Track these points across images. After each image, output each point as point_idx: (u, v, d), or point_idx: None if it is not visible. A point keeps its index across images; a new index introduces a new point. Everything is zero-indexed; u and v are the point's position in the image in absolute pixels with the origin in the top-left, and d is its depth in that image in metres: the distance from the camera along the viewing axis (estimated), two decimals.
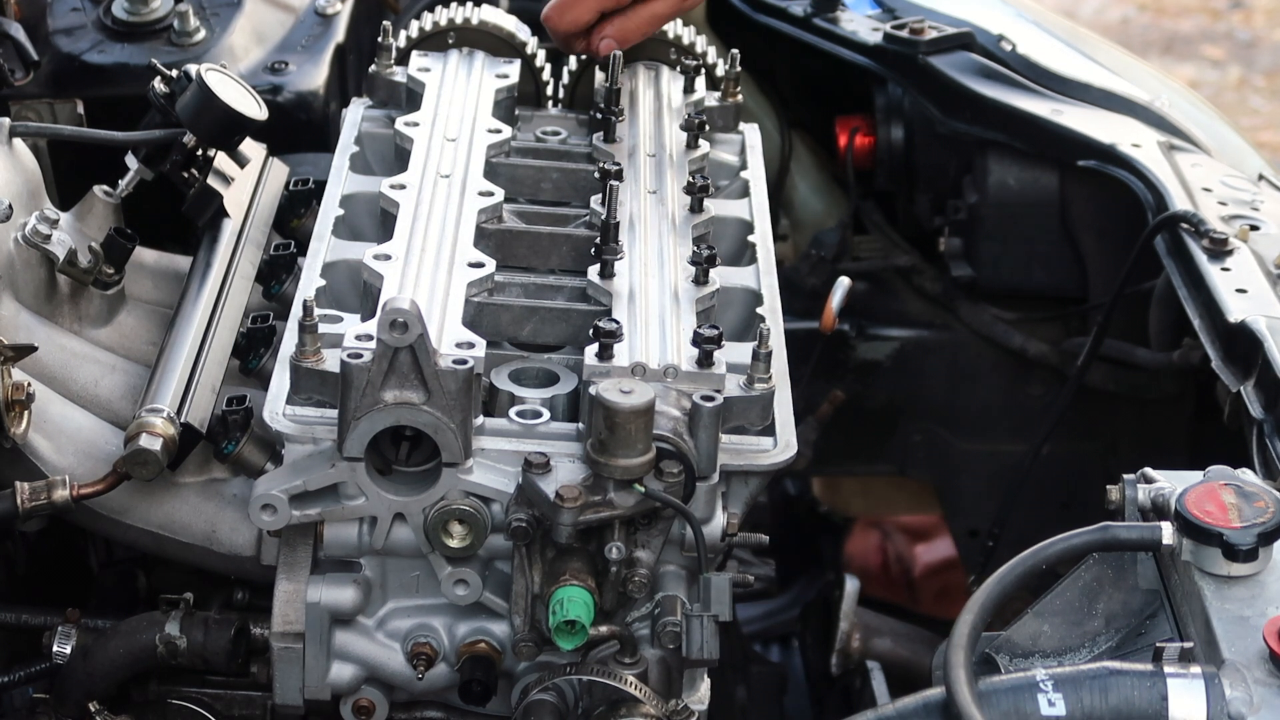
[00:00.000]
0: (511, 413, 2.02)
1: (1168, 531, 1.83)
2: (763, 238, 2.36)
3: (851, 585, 2.87)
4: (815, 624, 2.98)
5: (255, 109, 2.37)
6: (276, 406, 2.01)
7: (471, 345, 1.98)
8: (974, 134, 2.98)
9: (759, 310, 2.21)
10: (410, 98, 2.51)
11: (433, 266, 2.14)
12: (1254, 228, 2.58)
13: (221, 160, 2.41)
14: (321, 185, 2.39)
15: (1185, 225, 2.56)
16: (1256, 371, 2.30)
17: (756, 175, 2.49)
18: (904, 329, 3.22)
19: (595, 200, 2.31)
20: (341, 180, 2.37)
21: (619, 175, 2.30)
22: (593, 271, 2.17)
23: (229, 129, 2.36)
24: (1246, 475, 1.90)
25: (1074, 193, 2.97)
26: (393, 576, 2.05)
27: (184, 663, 2.12)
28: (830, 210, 3.24)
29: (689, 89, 2.59)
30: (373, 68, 2.55)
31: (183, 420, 2.08)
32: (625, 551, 1.95)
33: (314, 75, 2.75)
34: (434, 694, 2.09)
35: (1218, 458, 1.95)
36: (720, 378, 2.01)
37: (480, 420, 1.99)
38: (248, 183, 2.44)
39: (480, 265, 2.16)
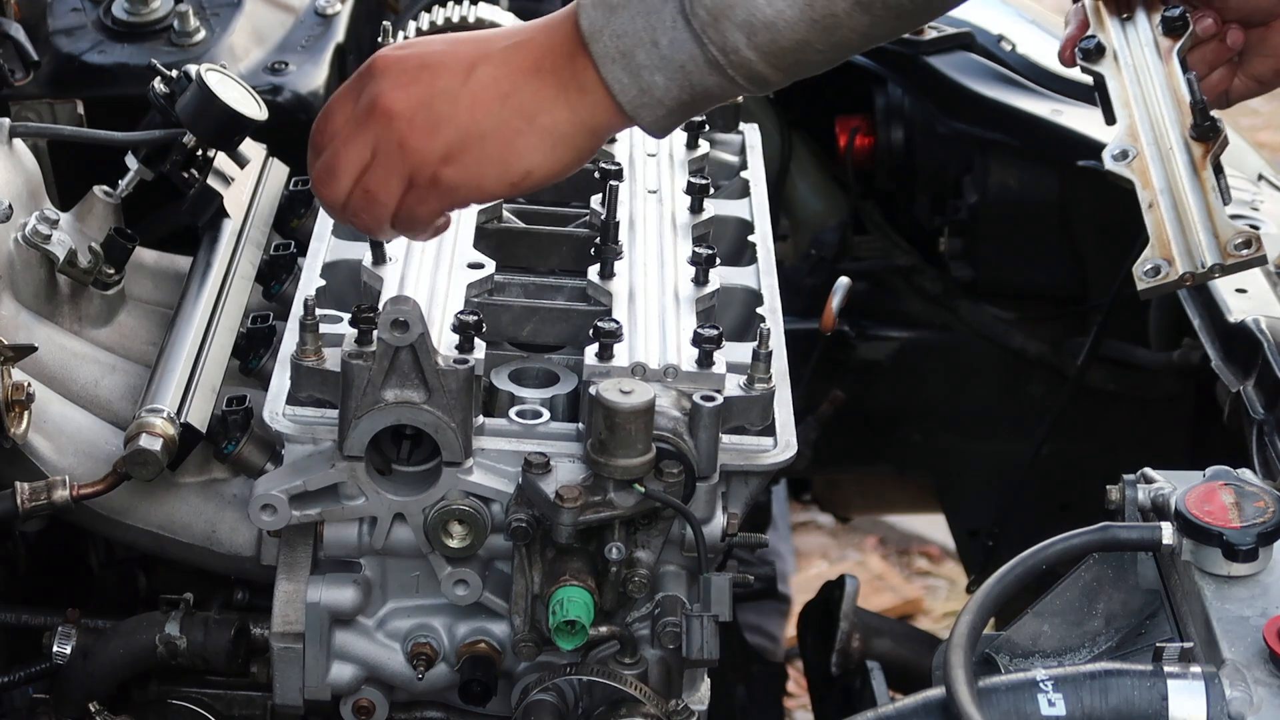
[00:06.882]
0: (511, 413, 2.02)
1: (1168, 531, 1.83)
2: (763, 238, 2.35)
3: (851, 585, 2.86)
4: (815, 624, 2.97)
5: (255, 109, 2.37)
6: (276, 406, 2.01)
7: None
8: (974, 134, 2.97)
9: (759, 310, 2.21)
10: None
11: (432, 267, 2.14)
12: (1254, 228, 2.58)
13: (221, 160, 2.40)
14: None
15: None
16: (1256, 371, 2.30)
17: (756, 175, 2.49)
18: (904, 329, 3.21)
19: (595, 200, 2.30)
20: None
21: (619, 175, 2.30)
22: (593, 271, 2.17)
23: (229, 129, 2.35)
24: (1246, 475, 1.89)
25: (1074, 193, 2.96)
26: (393, 576, 2.04)
27: (184, 663, 2.12)
28: (830, 210, 3.24)
29: None
30: None
31: (183, 420, 2.08)
32: (625, 551, 1.94)
33: (314, 75, 2.74)
34: (434, 694, 2.09)
35: (1218, 458, 1.95)
36: (720, 378, 2.01)
37: (480, 420, 1.98)
38: (248, 183, 2.44)
39: (480, 266, 2.16)
